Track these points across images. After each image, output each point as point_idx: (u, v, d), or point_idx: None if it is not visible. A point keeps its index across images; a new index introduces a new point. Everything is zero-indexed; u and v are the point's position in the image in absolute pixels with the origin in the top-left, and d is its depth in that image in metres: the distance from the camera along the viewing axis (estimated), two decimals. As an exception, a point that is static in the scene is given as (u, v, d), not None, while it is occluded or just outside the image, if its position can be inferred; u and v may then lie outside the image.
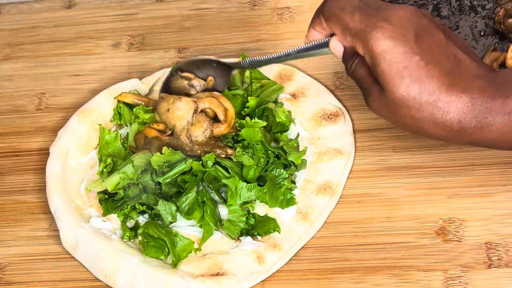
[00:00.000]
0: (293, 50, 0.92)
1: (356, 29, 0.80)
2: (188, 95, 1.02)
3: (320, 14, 0.85)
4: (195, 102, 1.00)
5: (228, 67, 1.01)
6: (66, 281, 0.95)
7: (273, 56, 0.94)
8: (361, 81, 0.83)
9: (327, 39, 0.87)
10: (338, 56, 0.86)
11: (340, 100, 1.06)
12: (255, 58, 0.97)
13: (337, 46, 0.85)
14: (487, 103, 0.77)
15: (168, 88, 1.03)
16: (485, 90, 0.77)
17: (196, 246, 0.95)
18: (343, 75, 1.09)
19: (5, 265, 0.98)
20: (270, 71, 1.09)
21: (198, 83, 1.02)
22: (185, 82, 1.02)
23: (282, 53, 0.93)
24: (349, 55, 0.84)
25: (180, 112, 0.99)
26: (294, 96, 1.06)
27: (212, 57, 1.02)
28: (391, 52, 0.78)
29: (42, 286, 0.96)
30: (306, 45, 0.90)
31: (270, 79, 1.07)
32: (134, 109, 1.05)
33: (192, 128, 0.98)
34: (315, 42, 0.89)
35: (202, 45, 1.16)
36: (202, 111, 0.99)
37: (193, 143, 0.98)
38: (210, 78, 1.02)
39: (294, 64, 1.10)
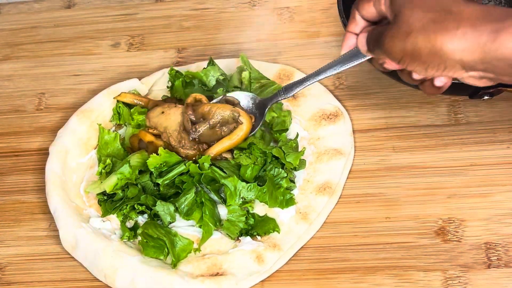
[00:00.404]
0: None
1: None
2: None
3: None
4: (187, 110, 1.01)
5: (263, 103, 1.00)
6: (65, 281, 0.95)
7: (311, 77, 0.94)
8: (376, 37, 0.83)
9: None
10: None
11: (339, 100, 1.06)
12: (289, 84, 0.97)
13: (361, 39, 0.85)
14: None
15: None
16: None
17: (195, 246, 0.95)
18: (342, 75, 1.09)
19: (4, 265, 0.98)
20: (270, 71, 1.09)
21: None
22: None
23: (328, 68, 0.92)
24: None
25: (173, 116, 1.00)
26: (293, 96, 1.06)
27: (251, 94, 1.01)
28: None
29: (42, 286, 0.96)
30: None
31: (269, 79, 1.07)
32: (131, 110, 1.05)
33: (184, 132, 0.99)
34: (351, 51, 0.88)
35: (201, 45, 1.16)
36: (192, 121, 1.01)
37: (183, 146, 0.99)
38: (252, 116, 1.00)
39: (294, 64, 1.10)
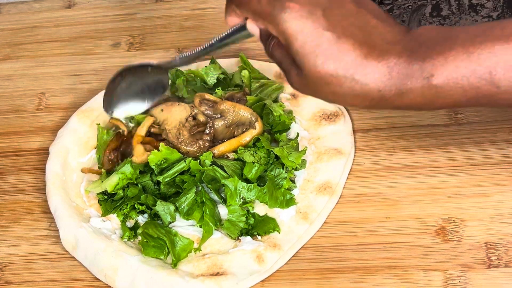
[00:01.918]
0: (215, 39, 0.86)
1: (265, 13, 0.78)
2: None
3: (231, 1, 0.83)
4: (192, 107, 1.02)
5: (163, 70, 0.94)
6: (66, 280, 0.95)
7: (198, 49, 0.88)
8: (280, 62, 0.81)
9: (244, 22, 0.83)
10: (257, 38, 0.83)
11: (340, 100, 1.05)
12: (184, 54, 0.90)
13: (253, 28, 0.82)
14: (404, 69, 0.74)
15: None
16: (401, 56, 0.74)
17: (196, 246, 0.95)
18: (343, 75, 1.09)
19: (5, 265, 0.98)
20: (270, 71, 1.09)
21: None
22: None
23: (206, 45, 0.87)
24: (265, 36, 0.81)
25: (174, 114, 1.00)
26: (294, 96, 1.06)
27: (145, 62, 0.95)
28: (301, 31, 0.75)
29: (42, 286, 0.96)
30: (227, 32, 0.85)
31: (269, 79, 1.07)
32: None
33: (183, 128, 0.99)
34: (234, 28, 0.84)
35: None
36: (194, 117, 1.00)
37: (181, 143, 0.99)
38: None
39: (294, 64, 1.10)
